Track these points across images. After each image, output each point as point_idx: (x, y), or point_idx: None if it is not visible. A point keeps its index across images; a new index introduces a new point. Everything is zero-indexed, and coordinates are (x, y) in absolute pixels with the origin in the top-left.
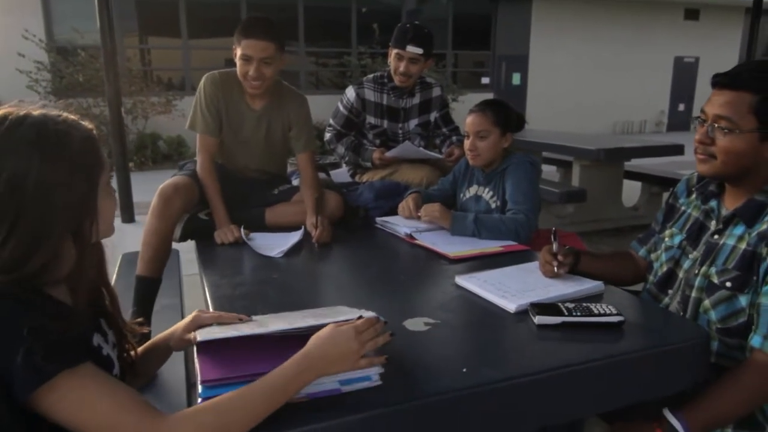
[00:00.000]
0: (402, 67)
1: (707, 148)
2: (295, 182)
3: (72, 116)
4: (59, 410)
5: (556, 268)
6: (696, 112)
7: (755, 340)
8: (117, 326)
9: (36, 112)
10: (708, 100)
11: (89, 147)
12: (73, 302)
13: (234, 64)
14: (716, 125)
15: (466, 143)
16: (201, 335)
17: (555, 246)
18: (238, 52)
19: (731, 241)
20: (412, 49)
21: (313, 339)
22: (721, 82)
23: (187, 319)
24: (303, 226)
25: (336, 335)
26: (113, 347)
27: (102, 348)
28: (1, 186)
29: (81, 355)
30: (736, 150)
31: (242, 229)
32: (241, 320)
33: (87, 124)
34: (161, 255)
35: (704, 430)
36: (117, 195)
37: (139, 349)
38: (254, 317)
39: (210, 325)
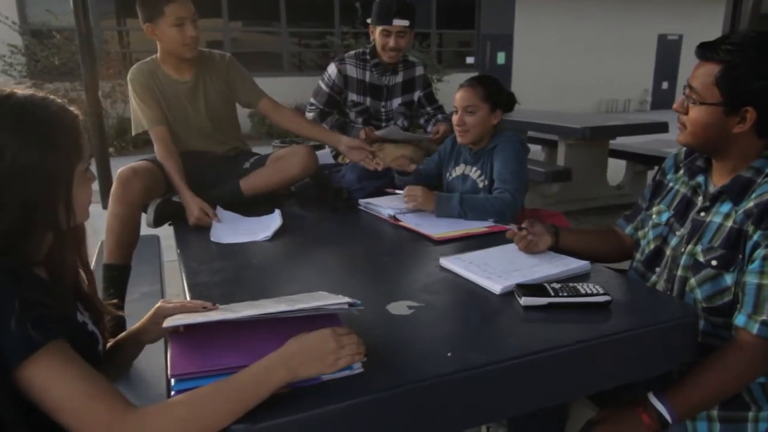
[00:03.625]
0: (391, 42)
1: (681, 117)
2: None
3: (58, 101)
4: (36, 386)
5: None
6: (679, 90)
7: (739, 319)
8: (95, 308)
9: (21, 93)
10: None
11: (68, 132)
12: (52, 283)
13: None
14: (687, 96)
15: (455, 119)
16: (167, 322)
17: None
18: (167, 20)
19: (718, 219)
20: (399, 22)
21: (292, 339)
22: (697, 52)
23: (151, 311)
24: (278, 210)
25: (313, 335)
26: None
27: (87, 324)
28: None
29: (64, 331)
30: (702, 122)
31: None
32: (205, 309)
33: (73, 110)
34: (126, 241)
35: (689, 413)
36: (96, 181)
37: (108, 345)
38: (223, 306)
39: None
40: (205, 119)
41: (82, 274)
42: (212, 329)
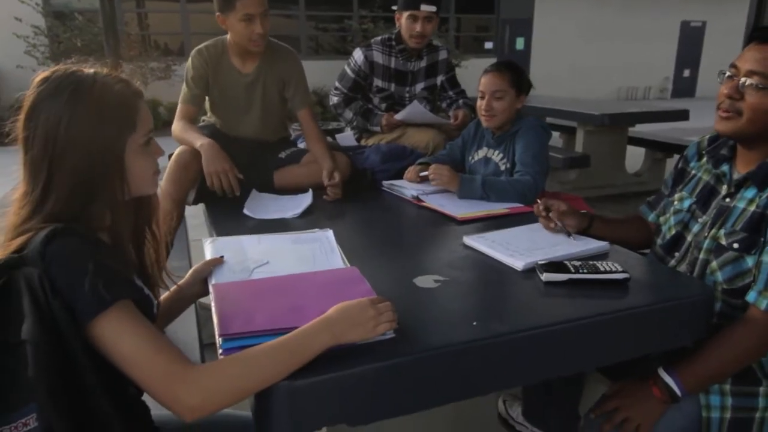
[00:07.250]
0: (418, 27)
1: (734, 104)
2: (301, 146)
3: (121, 76)
4: (106, 340)
5: (553, 224)
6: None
7: (751, 296)
8: (151, 279)
9: (86, 70)
10: (741, 55)
11: (121, 106)
12: (115, 249)
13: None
14: (748, 81)
15: (481, 104)
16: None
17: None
18: (237, 15)
19: (741, 204)
20: (426, 7)
21: (334, 307)
22: (760, 36)
23: (191, 271)
24: (310, 189)
25: (353, 305)
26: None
27: (143, 288)
28: (37, 139)
29: (130, 291)
30: (766, 108)
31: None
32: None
33: (134, 85)
34: (172, 220)
35: (698, 387)
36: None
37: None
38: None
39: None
40: (257, 114)
41: (149, 245)
42: (259, 293)
